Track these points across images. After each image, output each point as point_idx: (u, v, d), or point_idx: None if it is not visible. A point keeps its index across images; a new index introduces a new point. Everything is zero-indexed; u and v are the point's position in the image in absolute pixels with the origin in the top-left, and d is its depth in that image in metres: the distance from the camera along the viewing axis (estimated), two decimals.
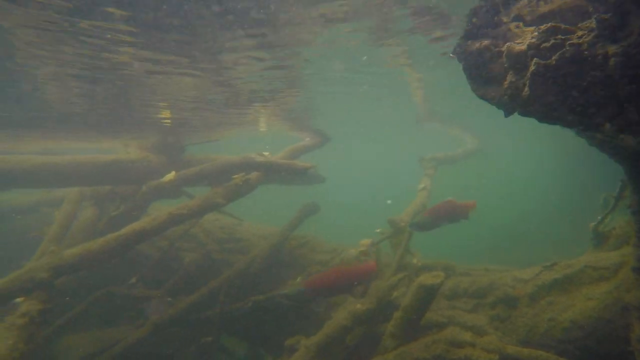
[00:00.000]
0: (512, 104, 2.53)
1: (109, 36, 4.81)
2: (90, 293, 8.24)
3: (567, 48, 2.14)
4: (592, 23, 2.16)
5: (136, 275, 8.32)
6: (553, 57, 2.16)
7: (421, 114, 14.12)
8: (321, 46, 6.36)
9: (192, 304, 8.13)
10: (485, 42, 2.59)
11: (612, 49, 2.04)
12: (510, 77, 2.42)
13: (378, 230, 9.39)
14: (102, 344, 8.28)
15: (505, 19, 2.76)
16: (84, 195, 7.88)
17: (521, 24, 2.70)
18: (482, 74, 2.71)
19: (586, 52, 2.11)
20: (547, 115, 2.32)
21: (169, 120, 8.81)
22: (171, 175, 7.55)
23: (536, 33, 2.28)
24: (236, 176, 7.61)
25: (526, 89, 2.23)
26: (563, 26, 2.25)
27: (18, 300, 5.45)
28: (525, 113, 2.46)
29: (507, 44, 2.35)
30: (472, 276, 8.00)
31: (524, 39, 2.37)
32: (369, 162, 42.37)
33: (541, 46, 2.21)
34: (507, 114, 2.83)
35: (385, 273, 7.99)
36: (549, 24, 2.25)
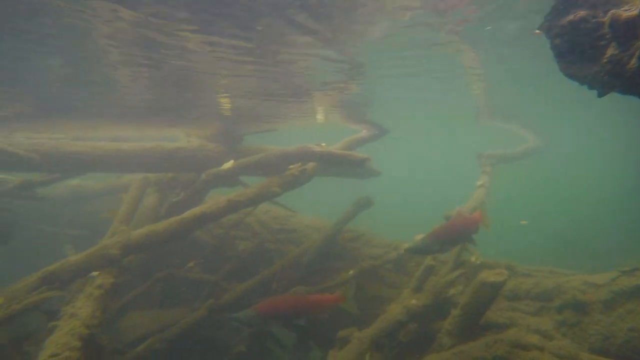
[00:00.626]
0: (611, 81, 2.31)
1: (174, 23, 4.95)
2: (152, 274, 8.63)
3: None
4: None
5: (194, 260, 8.59)
6: None
7: (482, 110, 13.57)
8: (384, 37, 6.25)
9: (246, 291, 8.30)
10: (582, 12, 2.38)
11: None
12: (611, 50, 2.20)
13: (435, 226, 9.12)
14: (162, 323, 8.64)
15: None
16: (148, 182, 8.27)
17: None
18: (574, 49, 2.50)
19: None
20: None
21: (228, 110, 9.03)
22: (230, 163, 7.73)
23: None
24: (292, 166, 7.66)
25: (633, 61, 2.02)
26: None
27: (94, 273, 5.80)
28: (627, 90, 2.24)
29: (612, 11, 2.13)
30: (535, 277, 7.59)
31: (634, 4, 2.14)
32: (426, 157, 40.63)
33: None
34: (602, 93, 2.60)
35: (443, 270, 7.76)
36: None
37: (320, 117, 10.86)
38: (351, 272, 9.02)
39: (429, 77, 8.91)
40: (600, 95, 2.66)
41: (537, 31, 2.81)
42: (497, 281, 5.62)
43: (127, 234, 6.12)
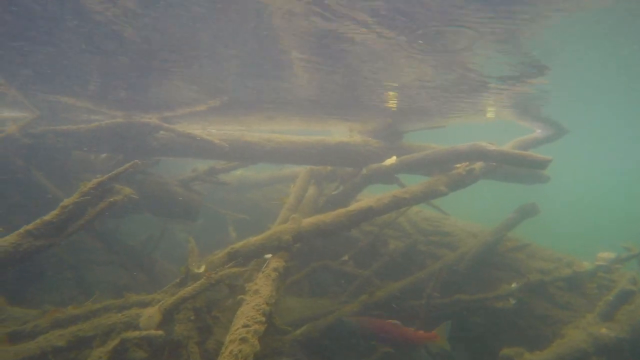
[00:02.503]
0: None
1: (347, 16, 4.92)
2: (306, 263, 9.02)
3: None
4: None
5: (348, 254, 8.71)
6: None
7: None
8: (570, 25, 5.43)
9: (400, 290, 8.12)
10: None
11: None
12: None
13: (624, 245, 7.77)
14: (313, 312, 8.99)
15: None
16: (313, 174, 8.64)
17: None
18: None
19: None
20: None
21: (394, 106, 8.95)
22: (392, 159, 7.61)
23: None
24: (459, 165, 7.20)
25: None
26: None
27: (267, 256, 6.20)
28: None
29: None
30: None
31: None
32: (607, 161, 34.22)
33: None
34: None
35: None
36: None
37: (490, 114, 10.12)
38: (514, 284, 8.20)
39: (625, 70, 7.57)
40: None
41: None
42: None
43: (298, 222, 6.41)
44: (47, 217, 4.56)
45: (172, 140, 7.84)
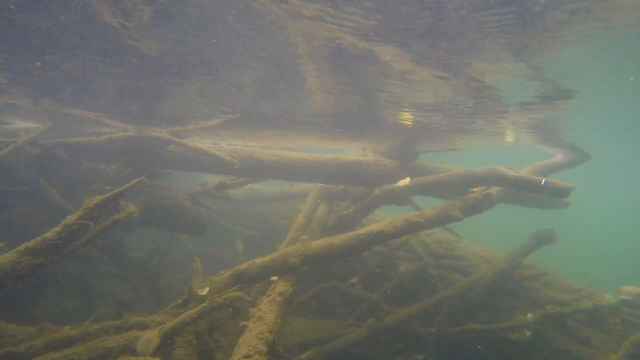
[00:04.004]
0: None
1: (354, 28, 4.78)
2: (313, 283, 8.78)
3: None
4: None
5: (357, 276, 8.46)
6: None
7: None
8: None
9: (409, 316, 7.83)
10: None
11: None
12: None
13: None
14: (317, 334, 8.72)
15: None
16: (324, 192, 8.45)
17: None
18: None
19: None
20: None
21: (408, 125, 8.75)
22: (406, 180, 7.39)
23: None
24: (476, 189, 6.95)
25: None
26: None
27: (273, 278, 5.99)
28: None
29: None
30: None
31: None
32: (628, 186, 32.96)
33: None
34: None
35: None
36: None
37: (509, 138, 9.86)
38: (530, 315, 7.85)
39: None
40: None
41: None
42: None
43: (307, 244, 6.21)
44: (48, 235, 4.44)
45: (182, 154, 7.75)
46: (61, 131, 8.67)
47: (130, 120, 9.01)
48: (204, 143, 8.36)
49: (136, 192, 7.63)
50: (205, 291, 5.35)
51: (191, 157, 7.68)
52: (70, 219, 4.58)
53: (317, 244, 6.29)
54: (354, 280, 8.46)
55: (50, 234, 4.51)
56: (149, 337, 4.90)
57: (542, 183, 6.21)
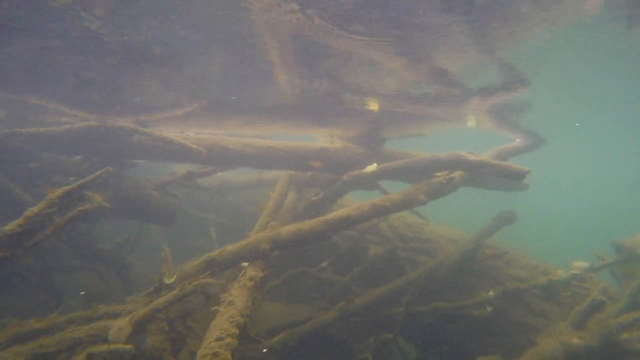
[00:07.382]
0: None
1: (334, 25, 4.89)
2: (284, 268, 8.90)
3: None
4: None
5: (327, 260, 8.64)
6: None
7: None
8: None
9: (378, 297, 8.09)
10: None
11: None
12: None
13: (597, 254, 7.91)
14: (290, 318, 8.88)
15: None
16: (292, 179, 8.53)
17: None
18: None
19: None
20: None
21: (374, 112, 8.91)
22: (373, 166, 7.57)
23: None
24: (439, 174, 7.20)
25: None
26: None
27: (244, 264, 6.08)
28: None
29: None
30: None
31: None
32: (584, 170, 34.58)
33: None
34: None
35: (611, 308, 6.62)
36: None
37: (471, 123, 10.20)
38: (491, 292, 8.26)
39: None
40: None
41: None
42: None
43: (277, 230, 6.30)
44: (7, 227, 4.34)
45: (148, 144, 7.64)
46: (16, 121, 8.34)
47: (92, 109, 8.77)
48: (171, 132, 8.25)
49: (102, 183, 7.48)
50: (172, 279, 5.38)
51: (158, 147, 7.58)
52: (32, 210, 4.49)
53: (287, 229, 6.39)
54: (325, 264, 8.63)
55: (10, 226, 4.41)
56: (121, 326, 4.90)
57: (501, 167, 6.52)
